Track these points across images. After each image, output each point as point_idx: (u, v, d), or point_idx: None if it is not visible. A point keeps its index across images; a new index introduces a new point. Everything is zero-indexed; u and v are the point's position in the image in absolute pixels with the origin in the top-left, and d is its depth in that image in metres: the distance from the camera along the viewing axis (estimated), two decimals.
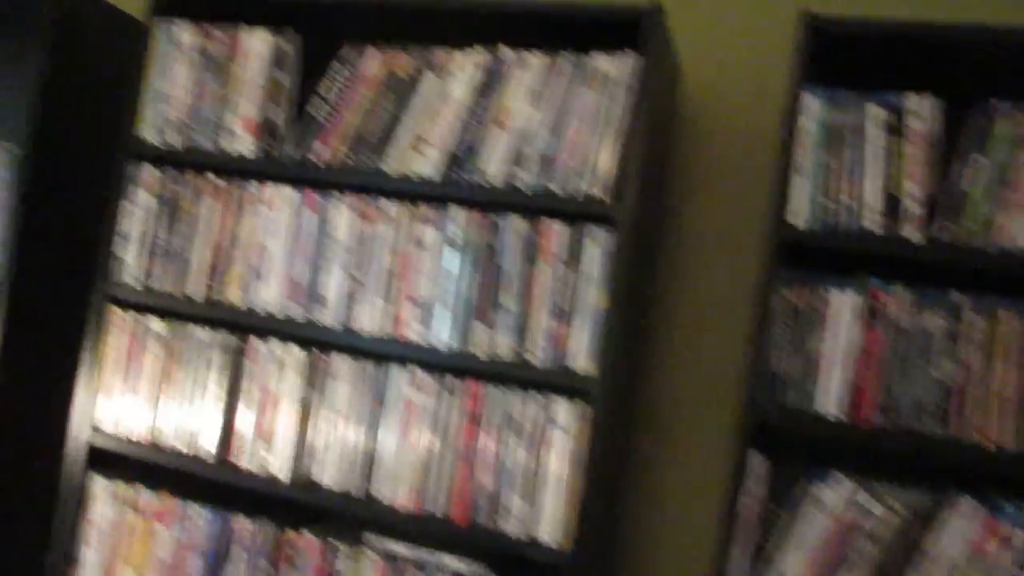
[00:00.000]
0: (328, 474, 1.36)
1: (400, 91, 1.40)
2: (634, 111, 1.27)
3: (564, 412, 1.26)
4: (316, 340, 1.44)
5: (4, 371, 1.57)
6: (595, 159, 1.28)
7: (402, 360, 1.39)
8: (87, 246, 1.74)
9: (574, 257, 1.28)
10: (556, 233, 1.29)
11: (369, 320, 1.36)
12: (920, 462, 1.28)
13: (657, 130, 1.36)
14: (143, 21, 1.52)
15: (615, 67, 1.31)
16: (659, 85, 1.32)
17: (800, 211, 1.22)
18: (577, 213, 1.29)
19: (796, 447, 1.37)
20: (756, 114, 1.53)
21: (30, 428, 1.70)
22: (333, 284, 1.39)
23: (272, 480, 1.38)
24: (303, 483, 1.37)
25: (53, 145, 1.61)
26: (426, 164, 1.36)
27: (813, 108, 1.23)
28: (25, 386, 1.64)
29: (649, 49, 1.26)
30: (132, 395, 1.48)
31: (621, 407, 1.39)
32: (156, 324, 1.48)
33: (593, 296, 1.26)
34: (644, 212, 1.35)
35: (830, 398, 1.20)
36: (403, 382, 1.34)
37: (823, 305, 1.22)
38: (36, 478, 1.74)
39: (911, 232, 1.18)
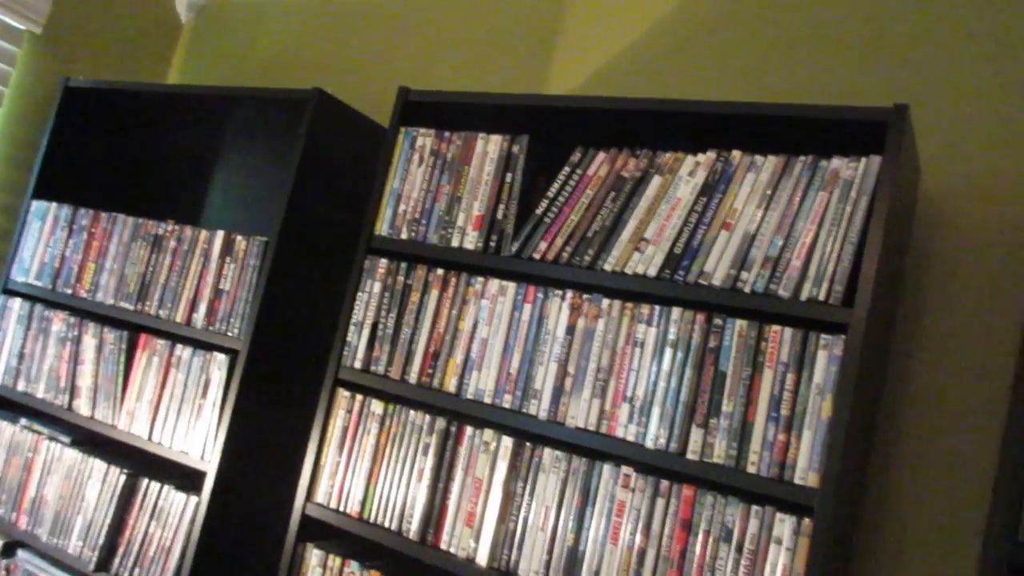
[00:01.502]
0: (530, 565, 1.36)
1: (624, 191, 1.44)
2: (873, 214, 1.23)
3: (784, 526, 1.19)
4: (526, 431, 1.46)
5: (232, 431, 1.72)
6: (827, 263, 1.25)
7: (611, 457, 1.37)
8: (315, 327, 1.90)
9: (801, 364, 1.24)
10: (783, 338, 1.25)
11: (580, 415, 1.37)
12: None
13: (894, 234, 1.30)
14: (388, 128, 1.68)
15: (856, 170, 1.28)
16: (901, 188, 1.28)
17: None
18: (806, 318, 1.25)
19: None
20: (1001, 215, 1.44)
21: (250, 492, 1.83)
22: (546, 377, 1.42)
23: (472, 565, 1.39)
24: (503, 570, 1.38)
25: (296, 236, 1.79)
26: (646, 263, 1.37)
27: None
28: (245, 447, 1.78)
29: (893, 151, 1.22)
30: (347, 471, 1.56)
31: (845, 524, 1.29)
32: (376, 406, 1.56)
33: (820, 405, 1.21)
34: (877, 318, 1.28)
35: None
36: (612, 480, 1.33)
37: None
38: (254, 544, 1.86)
39: None
